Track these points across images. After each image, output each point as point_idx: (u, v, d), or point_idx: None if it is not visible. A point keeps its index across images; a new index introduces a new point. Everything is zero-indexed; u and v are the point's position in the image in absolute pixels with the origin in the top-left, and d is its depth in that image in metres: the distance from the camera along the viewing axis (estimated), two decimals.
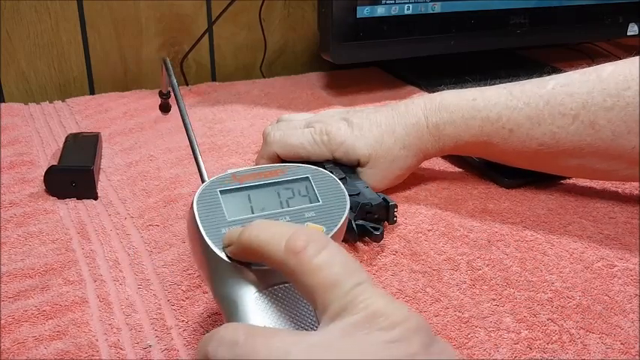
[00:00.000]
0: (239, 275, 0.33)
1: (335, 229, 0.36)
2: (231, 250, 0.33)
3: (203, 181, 0.38)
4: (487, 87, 0.56)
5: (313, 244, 0.29)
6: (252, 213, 0.35)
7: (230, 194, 0.36)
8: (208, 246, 0.33)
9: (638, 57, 0.51)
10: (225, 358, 0.28)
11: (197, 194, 0.35)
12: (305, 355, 0.26)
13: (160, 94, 0.59)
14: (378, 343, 0.26)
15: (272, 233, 0.31)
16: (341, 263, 0.29)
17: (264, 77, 0.98)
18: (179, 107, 0.44)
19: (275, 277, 0.33)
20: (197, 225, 0.34)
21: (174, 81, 0.48)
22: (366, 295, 0.28)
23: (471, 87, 0.56)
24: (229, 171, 0.37)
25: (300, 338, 0.27)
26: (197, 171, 0.40)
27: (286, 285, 0.33)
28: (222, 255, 0.33)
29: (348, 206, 0.37)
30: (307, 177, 0.38)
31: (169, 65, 0.50)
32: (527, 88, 0.54)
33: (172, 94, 0.48)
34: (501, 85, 0.55)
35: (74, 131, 0.70)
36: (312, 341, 0.27)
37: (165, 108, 0.56)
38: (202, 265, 0.35)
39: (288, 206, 0.36)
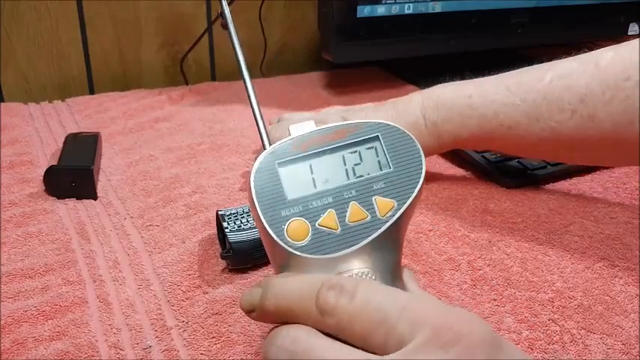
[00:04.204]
0: (304, 268, 0.31)
1: (407, 204, 0.32)
2: (256, 316, 0.31)
3: (264, 148, 0.34)
4: (484, 79, 0.54)
5: (345, 294, 0.28)
6: (315, 188, 0.32)
7: (290, 166, 0.32)
8: (269, 234, 0.31)
9: (638, 40, 0.48)
10: None
11: (254, 169, 0.31)
12: None
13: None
14: None
15: (298, 295, 0.29)
16: (378, 296, 0.28)
17: (264, 77, 0.98)
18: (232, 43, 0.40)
19: (341, 266, 0.31)
20: (256, 208, 0.31)
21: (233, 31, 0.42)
22: (418, 315, 0.27)
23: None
24: (292, 134, 0.33)
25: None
26: (197, 171, 0.39)
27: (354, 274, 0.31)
28: (283, 244, 0.30)
29: (423, 172, 0.33)
30: (377, 136, 0.33)
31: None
32: (524, 81, 0.52)
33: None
34: (499, 76, 0.54)
35: (74, 131, 0.69)
36: None
37: (224, 27, 0.50)
38: (266, 248, 0.32)
39: (355, 176, 0.32)
